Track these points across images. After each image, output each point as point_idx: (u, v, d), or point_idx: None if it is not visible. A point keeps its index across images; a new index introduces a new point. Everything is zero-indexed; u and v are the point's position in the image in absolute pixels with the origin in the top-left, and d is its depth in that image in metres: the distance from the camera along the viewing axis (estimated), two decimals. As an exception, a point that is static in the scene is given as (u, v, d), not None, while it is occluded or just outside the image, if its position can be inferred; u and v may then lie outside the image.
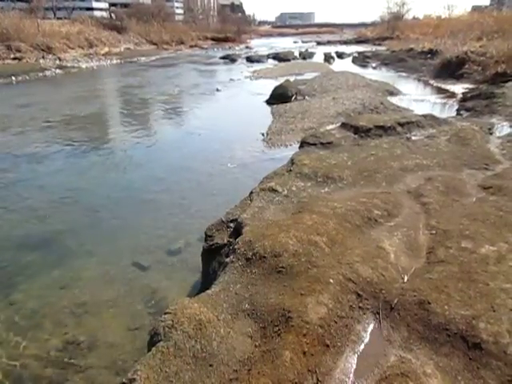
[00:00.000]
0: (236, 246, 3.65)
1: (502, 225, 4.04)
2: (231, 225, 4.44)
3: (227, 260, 3.58)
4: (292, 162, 6.08)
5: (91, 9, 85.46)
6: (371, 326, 2.88)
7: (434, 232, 4.04)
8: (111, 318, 4.44)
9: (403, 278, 3.27)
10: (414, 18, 65.60)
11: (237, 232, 4.08)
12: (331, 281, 3.13)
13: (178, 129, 12.98)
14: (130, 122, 13.74)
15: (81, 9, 74.90)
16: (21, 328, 4.34)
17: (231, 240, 4.08)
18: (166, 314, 2.92)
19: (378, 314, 2.95)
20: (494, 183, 5.35)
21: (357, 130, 7.91)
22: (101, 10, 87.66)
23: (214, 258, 4.19)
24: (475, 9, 66.67)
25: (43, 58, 32.54)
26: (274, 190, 4.90)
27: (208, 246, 4.37)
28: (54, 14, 64.27)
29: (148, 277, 5.12)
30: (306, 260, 3.38)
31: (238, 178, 8.00)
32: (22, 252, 5.77)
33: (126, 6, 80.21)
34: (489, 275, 3.20)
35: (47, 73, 27.65)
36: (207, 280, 4.15)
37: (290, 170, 5.68)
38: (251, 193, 5.03)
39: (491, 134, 9.07)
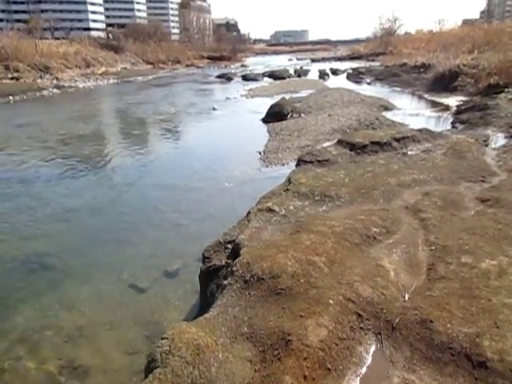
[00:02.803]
0: (234, 268, 3.60)
1: (501, 238, 4.01)
2: (229, 246, 4.41)
3: (225, 282, 3.54)
4: (289, 180, 6.07)
5: (88, 29, 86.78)
6: (373, 347, 2.83)
7: (433, 248, 4.01)
8: (108, 341, 4.36)
9: (404, 297, 3.23)
10: (406, 33, 66.54)
11: (235, 253, 4.03)
12: (331, 301, 3.08)
13: (174, 148, 13.01)
14: (126, 141, 13.77)
15: (78, 29, 76.06)
16: (16, 352, 4.26)
17: (229, 261, 4.04)
18: (163, 339, 2.86)
19: (380, 334, 2.90)
20: (491, 195, 5.34)
21: (353, 146, 7.93)
22: (98, 30, 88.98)
23: (211, 279, 4.13)
24: (466, 22, 67.84)
25: (41, 77, 32.90)
26: (271, 210, 4.87)
27: (206, 268, 4.32)
28: (52, 34, 65.25)
29: (145, 299, 5.05)
30: (305, 281, 3.34)
31: (235, 197, 7.97)
32: (16, 274, 5.70)
33: (122, 26, 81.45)
34: (491, 290, 3.16)
35: (44, 92, 27.90)
36: (205, 302, 4.10)
37: (287, 189, 5.66)
38: (249, 213, 5.00)
39: (487, 145, 9.10)
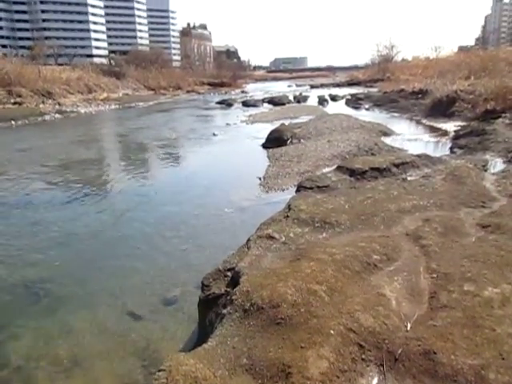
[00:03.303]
0: (233, 297, 3.55)
1: (503, 265, 3.97)
2: (228, 274, 4.35)
3: (224, 311, 3.48)
4: (289, 207, 6.06)
5: (91, 56, 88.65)
6: (375, 380, 2.76)
7: (435, 275, 3.96)
8: (104, 372, 4.26)
9: (406, 326, 3.17)
10: (403, 59, 67.78)
11: (234, 281, 3.99)
12: (332, 332, 3.02)
13: (174, 173, 13.05)
14: (126, 166, 13.83)
15: (81, 56, 77.72)
16: (7, 382, 4.15)
17: (228, 290, 3.99)
18: (160, 371, 2.80)
19: (382, 365, 2.83)
20: (492, 221, 5.32)
21: (352, 172, 7.96)
22: (100, 56, 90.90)
23: (210, 308, 4.07)
24: (461, 49, 69.28)
25: (43, 102, 33.35)
26: (271, 237, 4.84)
27: (205, 297, 4.25)
28: (56, 61, 66.63)
29: (142, 328, 4.95)
30: (306, 310, 3.28)
31: (235, 223, 7.94)
32: (14, 300, 5.63)
33: (125, 53, 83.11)
34: (494, 320, 3.11)
35: (46, 117, 28.21)
36: (204, 332, 4.02)
37: (287, 216, 5.65)
38: (248, 240, 4.97)
39: (486, 170, 9.13)
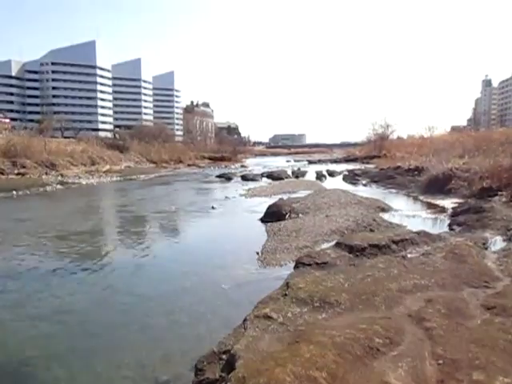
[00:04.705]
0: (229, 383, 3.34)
1: (512, 351, 3.80)
2: (224, 356, 4.13)
3: (218, 400, 3.25)
4: (287, 285, 5.91)
5: (97, 129, 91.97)
6: None
7: (441, 362, 3.77)
8: None
9: (414, 421, 2.94)
10: (398, 137, 70.06)
11: (230, 365, 3.77)
12: (334, 426, 2.80)
13: (171, 247, 12.92)
14: (124, 239, 13.72)
15: (87, 129, 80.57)
16: None
17: (223, 375, 3.76)
18: None
19: None
20: (497, 302, 5.18)
21: (351, 249, 7.89)
22: (106, 130, 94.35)
23: (204, 395, 3.82)
24: (454, 129, 72.11)
25: (46, 173, 33.95)
26: (269, 317, 4.67)
27: (198, 382, 4.00)
28: (62, 134, 68.87)
29: (131, 416, 4.61)
30: (305, 400, 3.07)
31: (232, 300, 7.70)
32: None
33: (129, 127, 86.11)
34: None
35: (48, 188, 28.52)
36: (196, 422, 3.74)
37: (286, 295, 5.49)
38: (245, 320, 4.78)
39: (486, 248, 9.07)
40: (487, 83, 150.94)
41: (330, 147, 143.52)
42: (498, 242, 9.92)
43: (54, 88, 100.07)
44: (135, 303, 7.89)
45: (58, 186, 29.69)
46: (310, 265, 7.08)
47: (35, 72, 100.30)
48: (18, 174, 31.75)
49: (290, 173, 41.20)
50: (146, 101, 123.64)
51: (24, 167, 33.28)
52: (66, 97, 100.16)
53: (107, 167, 45.37)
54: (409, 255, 7.95)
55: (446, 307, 5.01)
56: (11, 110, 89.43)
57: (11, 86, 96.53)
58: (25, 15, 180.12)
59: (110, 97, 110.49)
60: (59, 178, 33.62)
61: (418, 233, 9.59)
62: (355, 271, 6.70)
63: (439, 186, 20.47)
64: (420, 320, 4.66)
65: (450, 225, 13.06)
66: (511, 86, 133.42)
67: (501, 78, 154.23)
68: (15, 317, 7.22)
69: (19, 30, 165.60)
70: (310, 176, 38.71)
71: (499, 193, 15.62)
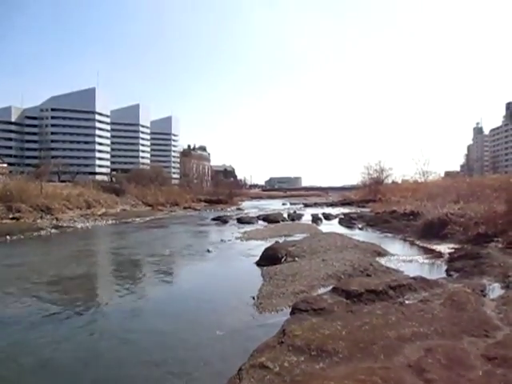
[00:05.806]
0: None
1: (516, 406, 3.67)
2: (217, 410, 3.97)
3: None
4: (283, 332, 5.78)
5: (94, 173, 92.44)
6: None
7: (443, 416, 3.63)
8: None
9: None
10: (393, 181, 70.54)
11: (223, 420, 3.61)
12: None
13: (165, 292, 12.69)
14: (117, 284, 13.47)
15: (84, 173, 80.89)
16: None
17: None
18: None
19: None
20: (497, 353, 5.07)
21: (349, 294, 7.78)
22: (102, 174, 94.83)
23: None
24: (448, 174, 73.07)
25: (41, 217, 33.71)
26: (264, 367, 4.53)
27: None
28: (59, 178, 69.00)
29: None
30: None
31: (226, 347, 7.48)
32: None
33: (126, 171, 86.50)
34: None
35: (42, 232, 28.25)
36: None
37: (282, 342, 5.35)
38: (240, 369, 4.63)
39: (484, 295, 8.97)
40: (478, 131, 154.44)
41: (326, 190, 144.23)
42: (496, 289, 9.82)
43: (52, 133, 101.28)
44: (126, 352, 7.67)
45: (53, 230, 29.43)
46: (306, 311, 6.94)
47: (35, 118, 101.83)
48: (12, 218, 31.52)
49: (285, 216, 41.14)
50: (143, 145, 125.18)
51: (19, 211, 33.09)
52: (64, 141, 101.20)
53: (103, 210, 45.23)
54: (407, 301, 7.83)
55: (446, 357, 4.89)
56: (9, 155, 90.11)
57: (10, 131, 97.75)
58: (27, 63, 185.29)
59: (108, 141, 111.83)
60: (54, 221, 33.36)
61: (415, 278, 9.51)
62: (353, 318, 6.57)
63: (435, 230, 20.45)
64: (420, 371, 4.53)
65: (447, 270, 12.98)
66: (502, 133, 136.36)
67: (492, 125, 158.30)
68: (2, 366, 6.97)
69: (21, 78, 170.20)
70: (306, 219, 38.67)
71: (495, 239, 15.66)
